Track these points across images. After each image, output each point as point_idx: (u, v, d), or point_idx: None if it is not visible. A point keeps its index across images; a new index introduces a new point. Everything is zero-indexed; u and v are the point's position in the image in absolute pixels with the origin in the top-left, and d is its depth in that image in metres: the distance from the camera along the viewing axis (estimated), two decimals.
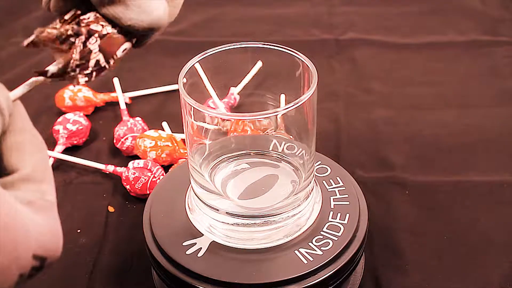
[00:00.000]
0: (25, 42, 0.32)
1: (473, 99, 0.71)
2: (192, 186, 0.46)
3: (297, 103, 0.40)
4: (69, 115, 0.64)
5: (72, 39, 0.33)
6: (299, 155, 0.47)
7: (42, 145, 0.30)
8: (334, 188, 0.48)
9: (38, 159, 0.29)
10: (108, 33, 0.34)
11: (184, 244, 0.44)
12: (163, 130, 0.64)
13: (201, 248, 0.44)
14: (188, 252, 0.43)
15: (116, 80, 0.71)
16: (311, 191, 0.46)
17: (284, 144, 0.48)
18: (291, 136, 0.47)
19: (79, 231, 0.54)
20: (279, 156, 0.48)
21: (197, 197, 0.45)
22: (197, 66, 0.44)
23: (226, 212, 0.44)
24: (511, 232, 0.54)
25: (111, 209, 0.57)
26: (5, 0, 0.94)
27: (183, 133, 0.49)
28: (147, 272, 0.50)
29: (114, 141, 0.63)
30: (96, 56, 0.34)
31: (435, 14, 0.87)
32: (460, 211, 0.56)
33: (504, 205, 0.56)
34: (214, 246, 0.44)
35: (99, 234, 0.54)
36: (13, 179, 0.28)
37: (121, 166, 0.59)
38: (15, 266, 0.26)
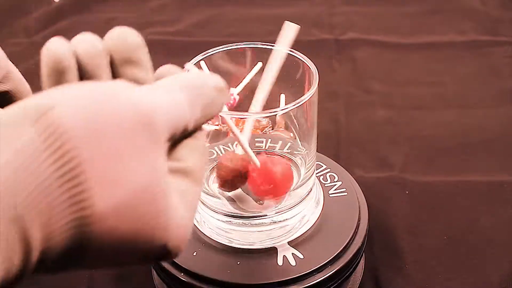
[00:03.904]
0: None
1: (473, 99, 0.71)
2: None
3: (298, 103, 0.40)
4: None
5: None
6: (299, 154, 0.47)
7: (207, 160, 0.31)
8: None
9: (201, 163, 0.30)
10: None
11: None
12: None
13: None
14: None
15: None
16: (311, 190, 0.46)
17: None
18: (291, 134, 0.47)
19: None
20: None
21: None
22: (203, 64, 0.44)
23: (225, 214, 0.44)
24: (511, 232, 0.54)
25: None
26: (5, 0, 0.94)
27: None
28: (147, 272, 0.50)
29: None
30: None
31: (435, 14, 0.87)
32: (460, 211, 0.56)
33: (504, 205, 0.56)
34: (215, 246, 0.44)
35: None
36: (177, 167, 0.29)
37: None
38: (147, 244, 0.26)
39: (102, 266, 0.27)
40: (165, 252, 0.27)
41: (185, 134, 0.29)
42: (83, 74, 0.29)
